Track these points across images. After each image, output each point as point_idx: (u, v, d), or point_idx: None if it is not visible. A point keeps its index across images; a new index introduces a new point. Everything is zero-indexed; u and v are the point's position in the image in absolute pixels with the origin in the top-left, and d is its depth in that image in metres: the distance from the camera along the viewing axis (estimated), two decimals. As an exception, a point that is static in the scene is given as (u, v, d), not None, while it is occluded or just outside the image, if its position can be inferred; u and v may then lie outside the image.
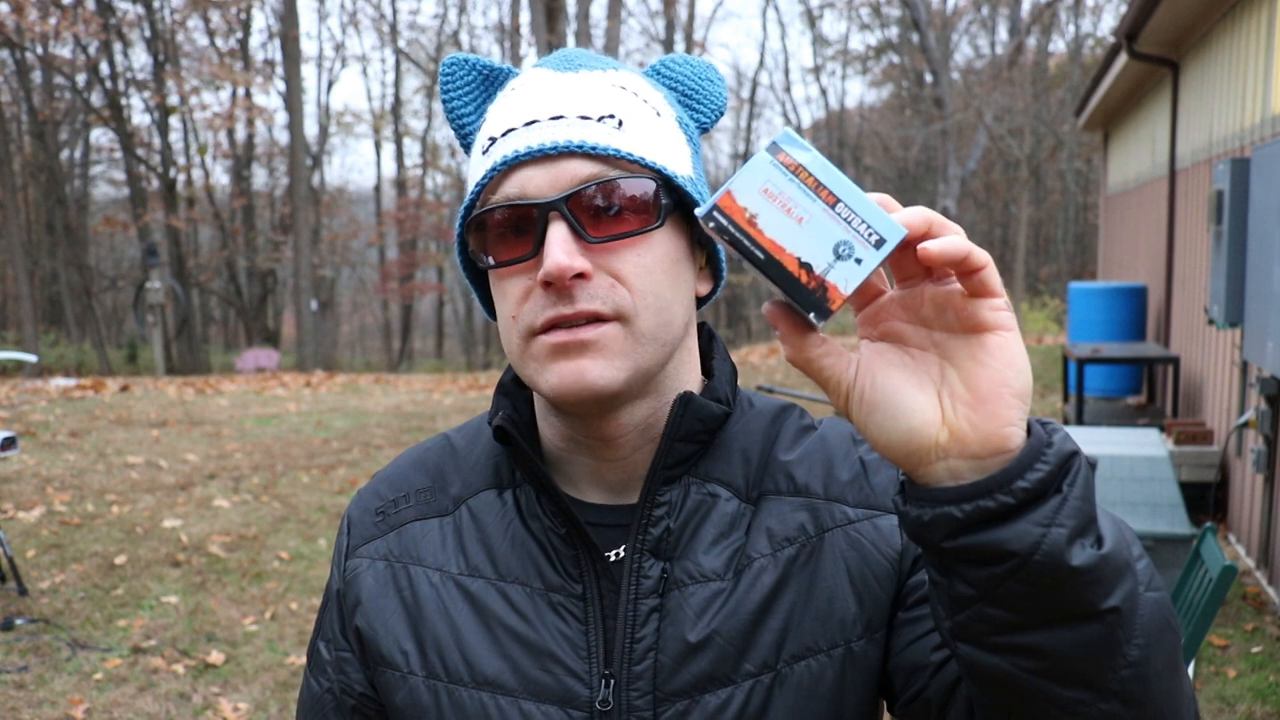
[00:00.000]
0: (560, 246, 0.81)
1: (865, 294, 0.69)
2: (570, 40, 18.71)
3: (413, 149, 32.27)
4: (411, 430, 9.64)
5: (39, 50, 21.75)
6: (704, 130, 0.98)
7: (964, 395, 0.65)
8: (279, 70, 24.24)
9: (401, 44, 30.08)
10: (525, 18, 23.58)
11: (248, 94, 25.96)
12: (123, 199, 27.60)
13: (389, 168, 42.09)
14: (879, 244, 0.63)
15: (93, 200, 29.17)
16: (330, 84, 43.75)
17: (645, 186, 0.85)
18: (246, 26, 25.95)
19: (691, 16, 28.98)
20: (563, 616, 0.91)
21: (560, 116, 0.85)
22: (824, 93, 41.76)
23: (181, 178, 26.16)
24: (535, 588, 0.92)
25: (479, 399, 12.09)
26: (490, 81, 0.96)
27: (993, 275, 0.64)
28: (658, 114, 0.90)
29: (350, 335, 35.40)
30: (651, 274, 0.85)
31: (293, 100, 22.23)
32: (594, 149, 0.84)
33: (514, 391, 0.98)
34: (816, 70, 34.91)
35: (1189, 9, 6.64)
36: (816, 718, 0.89)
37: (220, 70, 23.21)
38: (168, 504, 6.77)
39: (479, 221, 0.87)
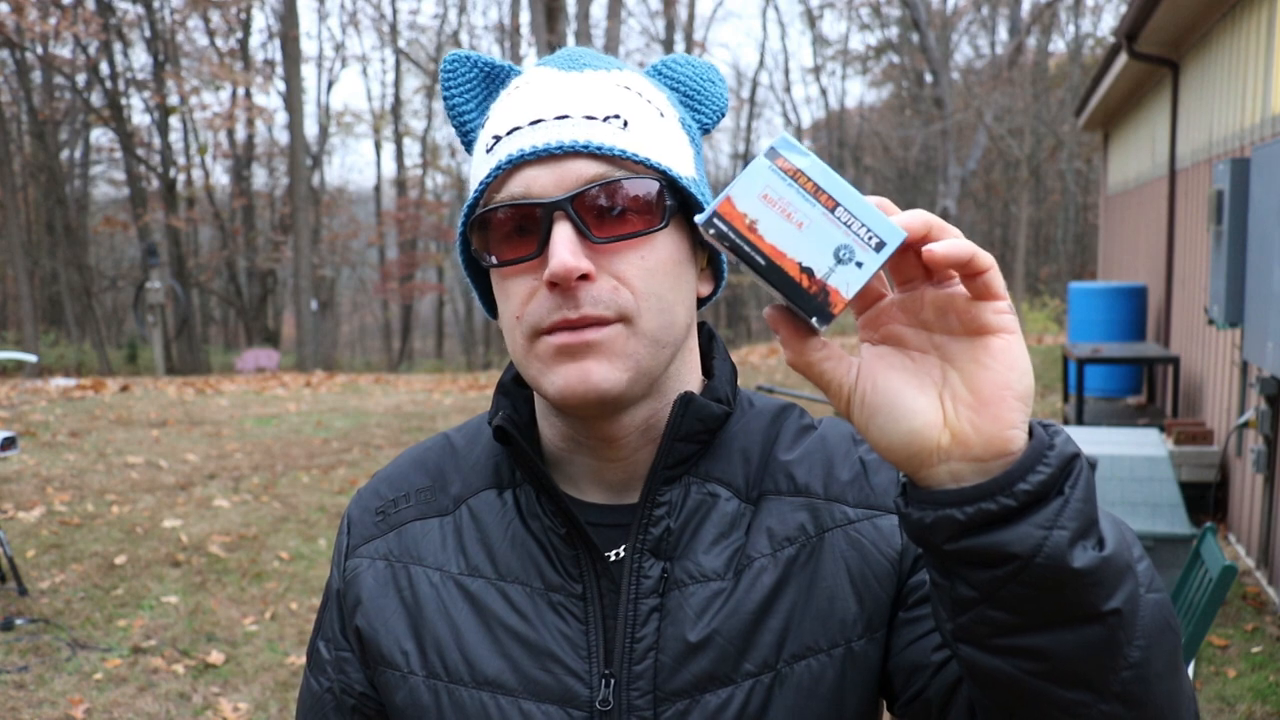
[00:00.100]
0: (565, 247, 0.81)
1: (866, 298, 0.69)
2: (570, 40, 18.71)
3: (413, 149, 32.32)
4: (411, 430, 9.64)
5: (39, 50, 21.75)
6: (705, 131, 0.98)
7: (966, 397, 0.65)
8: (279, 70, 24.25)
9: (401, 44, 30.10)
10: (525, 18, 23.59)
11: (248, 94, 25.96)
12: (123, 199, 27.60)
13: (389, 168, 42.13)
14: (879, 247, 0.63)
15: (93, 200, 29.17)
16: (330, 84, 43.79)
17: (649, 187, 0.85)
18: (246, 26, 25.96)
19: (691, 16, 29.00)
20: (563, 616, 0.91)
21: (566, 116, 0.85)
22: (824, 93, 41.83)
23: (181, 178, 26.17)
24: (535, 587, 0.92)
25: (479, 399, 12.09)
26: (492, 79, 0.96)
27: (997, 278, 0.65)
28: (661, 114, 0.90)
29: (350, 335, 35.40)
30: (654, 276, 0.85)
31: (293, 100, 22.23)
32: (599, 149, 0.83)
33: (514, 391, 0.98)
34: (816, 70, 34.93)
35: (1189, 9, 6.64)
36: (817, 717, 0.89)
37: (220, 70, 23.21)
38: (168, 504, 6.77)
39: (482, 220, 0.86)
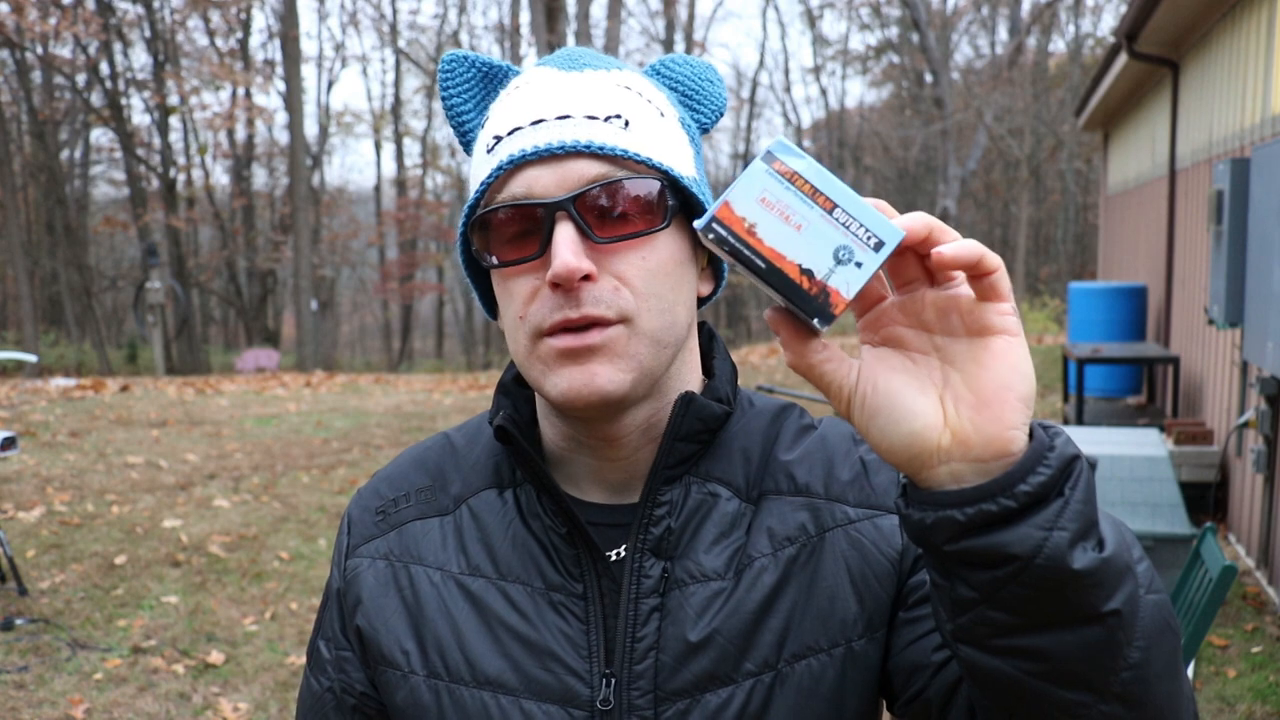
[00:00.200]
0: (568, 247, 0.81)
1: (866, 299, 0.69)
2: (570, 40, 18.72)
3: (413, 149, 32.31)
4: (411, 430, 9.64)
5: (39, 50, 21.75)
6: (704, 131, 0.98)
7: (968, 398, 0.65)
8: (279, 70, 24.25)
9: (401, 44, 30.10)
10: (525, 18, 23.59)
11: (248, 94, 25.96)
12: (123, 199, 27.60)
13: (389, 168, 42.11)
14: (878, 247, 0.64)
15: (93, 200, 29.17)
16: (330, 84, 43.77)
17: (651, 187, 0.85)
18: (246, 26, 25.96)
19: (691, 16, 29.00)
20: (563, 616, 0.91)
21: (567, 116, 0.85)
22: (824, 93, 41.81)
23: (181, 178, 26.17)
24: (536, 587, 0.92)
25: (479, 399, 12.09)
26: (490, 79, 0.96)
27: (1003, 279, 0.65)
28: (661, 114, 0.90)
29: (350, 335, 35.40)
30: (655, 276, 0.85)
31: (293, 100, 22.23)
32: (601, 149, 0.83)
33: (514, 391, 0.99)
34: (816, 70, 34.92)
35: (1189, 9, 6.64)
36: (817, 717, 0.89)
37: (220, 70, 23.21)
38: (168, 504, 6.77)
39: (483, 221, 0.86)
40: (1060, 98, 25.53)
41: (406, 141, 31.52)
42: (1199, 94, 7.11)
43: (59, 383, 12.80)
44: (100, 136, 27.44)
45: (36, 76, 23.59)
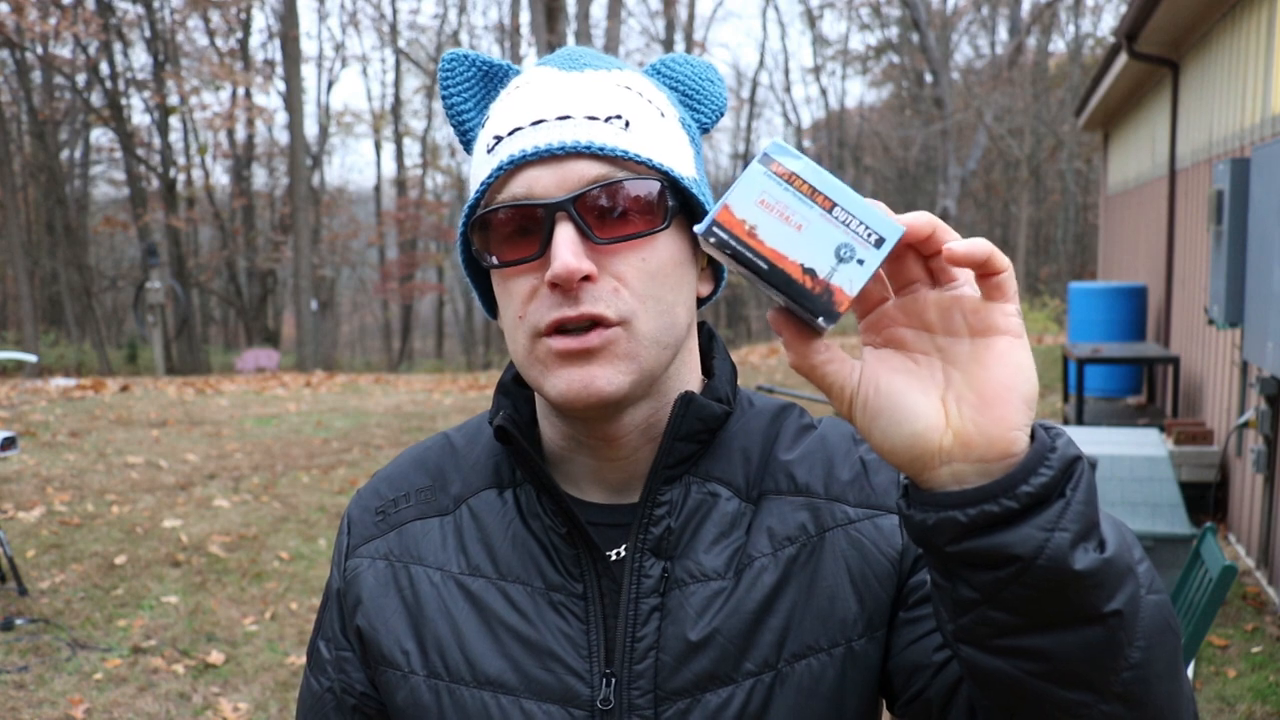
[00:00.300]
0: (568, 248, 0.81)
1: (867, 301, 0.69)
2: (570, 40, 18.72)
3: (413, 149, 32.31)
4: (411, 430, 9.64)
5: (39, 50, 21.75)
6: (704, 131, 0.98)
7: (970, 399, 0.65)
8: (279, 70, 24.25)
9: (401, 44, 30.10)
10: (525, 18, 23.60)
11: (248, 94, 25.96)
12: (123, 199, 27.60)
13: (389, 168, 42.09)
14: (879, 243, 0.64)
15: (93, 200, 29.17)
16: (330, 84, 43.77)
17: (651, 188, 0.85)
18: (246, 26, 25.96)
19: (691, 16, 29.00)
20: (564, 615, 0.91)
21: (567, 116, 0.85)
22: (824, 93, 41.83)
23: (181, 178, 26.17)
24: (536, 587, 0.92)
25: (479, 399, 12.09)
26: (490, 78, 0.96)
27: (1011, 280, 0.65)
28: (662, 114, 0.90)
29: (350, 335, 35.40)
30: (655, 278, 0.85)
31: (293, 100, 22.23)
32: (601, 150, 0.83)
33: (514, 391, 0.99)
34: (816, 70, 34.94)
35: (1189, 9, 6.64)
36: (817, 717, 0.89)
37: (220, 70, 23.21)
38: (168, 504, 6.77)
39: (484, 221, 0.86)
40: (1060, 98, 25.53)
41: (406, 141, 31.55)
42: (1199, 94, 7.11)
43: (59, 383, 12.80)
44: (100, 136, 27.47)
45: (36, 76, 23.60)
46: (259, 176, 29.37)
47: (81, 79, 23.99)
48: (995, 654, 0.68)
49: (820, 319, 0.64)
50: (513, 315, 0.87)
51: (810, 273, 0.64)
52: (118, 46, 23.89)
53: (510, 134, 0.86)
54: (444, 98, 0.96)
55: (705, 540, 0.91)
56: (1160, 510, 4.38)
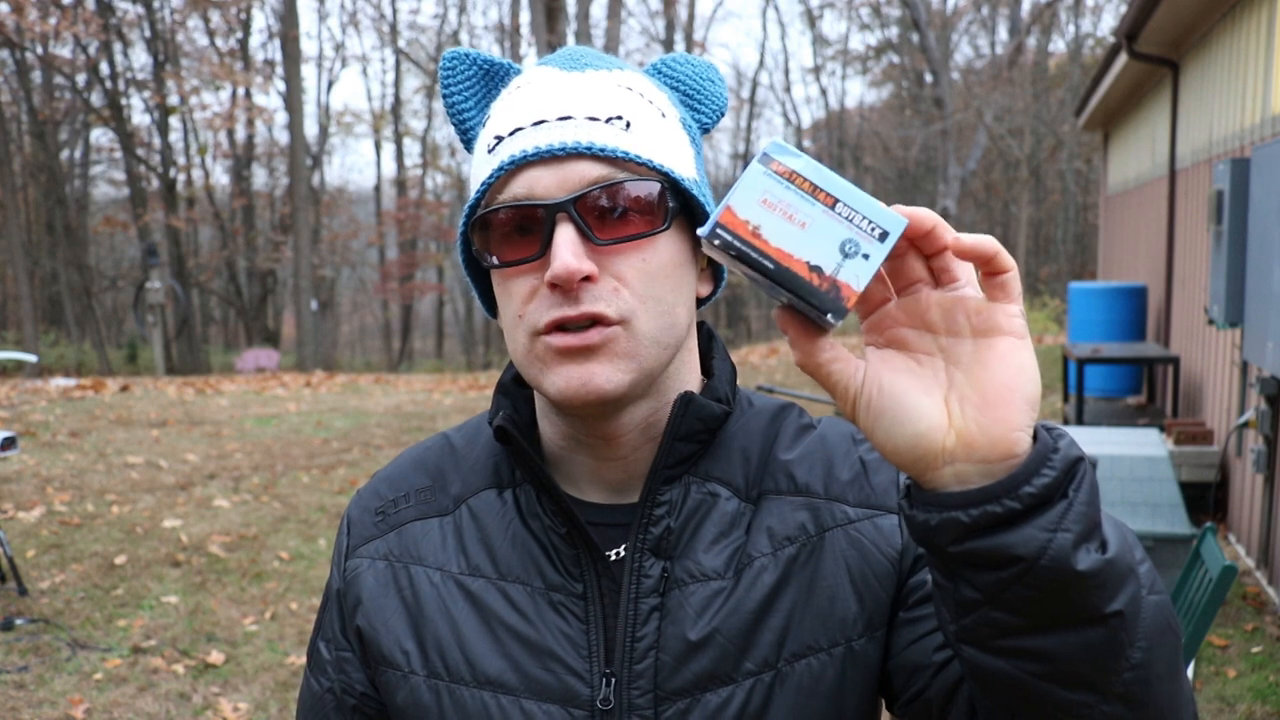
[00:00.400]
0: (568, 249, 0.81)
1: (869, 301, 0.69)
2: (570, 40, 18.72)
3: (413, 149, 32.31)
4: (411, 430, 9.64)
5: (39, 50, 21.75)
6: (705, 131, 0.98)
7: (973, 399, 0.66)
8: (279, 70, 24.25)
9: (401, 44, 30.10)
10: (525, 18, 23.59)
11: (248, 94, 25.96)
12: (123, 199, 27.61)
13: (389, 168, 42.08)
14: (883, 237, 0.64)
15: (93, 200, 29.16)
16: (330, 84, 43.79)
17: (651, 189, 0.85)
18: (246, 26, 25.96)
19: (691, 16, 29.00)
20: (563, 615, 0.91)
21: (568, 117, 0.85)
22: (824, 93, 41.82)
23: (181, 178, 26.17)
24: (536, 587, 0.92)
25: (479, 399, 12.09)
26: (491, 77, 0.96)
27: (1015, 281, 0.65)
28: (662, 115, 0.90)
29: (350, 335, 35.40)
30: (655, 278, 0.85)
31: (293, 100, 22.23)
32: (602, 150, 0.84)
33: (514, 391, 0.99)
34: (816, 70, 34.93)
35: (1189, 9, 6.64)
36: (817, 716, 0.89)
37: (220, 70, 23.21)
38: (168, 504, 6.77)
39: (484, 221, 0.87)
40: (1060, 98, 25.53)
41: (406, 141, 31.54)
42: (1199, 94, 7.11)
43: (59, 383, 12.80)
44: (100, 136, 27.47)
45: (36, 76, 23.59)
46: (259, 176, 29.40)
47: (81, 79, 24.00)
48: (997, 654, 0.68)
49: (828, 315, 0.64)
50: (512, 315, 0.87)
51: (816, 270, 0.64)
52: (118, 46, 23.90)
53: (511, 134, 0.86)
54: (445, 97, 0.96)
55: (705, 540, 0.91)
56: (1160, 510, 4.38)
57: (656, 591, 0.89)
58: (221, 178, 28.92)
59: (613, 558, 0.92)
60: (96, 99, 24.48)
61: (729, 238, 0.65)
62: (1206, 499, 6.01)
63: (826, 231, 0.64)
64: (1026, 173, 26.19)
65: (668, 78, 0.97)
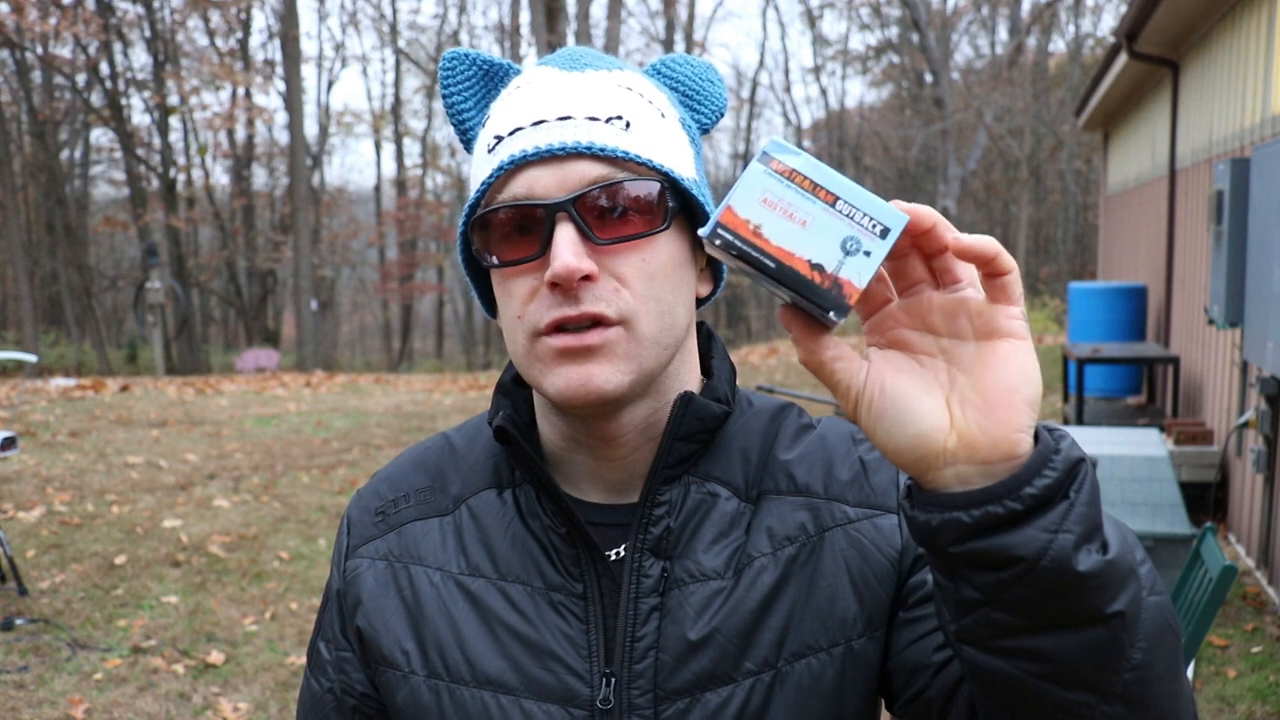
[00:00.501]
0: (568, 248, 0.81)
1: (870, 302, 0.69)
2: (570, 40, 18.72)
3: (413, 149, 32.31)
4: (411, 430, 9.64)
5: (39, 50, 21.75)
6: (704, 131, 0.98)
7: (974, 401, 0.66)
8: (279, 70, 24.25)
9: (401, 44, 30.10)
10: (525, 18, 23.60)
11: (248, 94, 25.96)
12: (123, 199, 27.60)
13: (389, 168, 42.08)
14: (884, 233, 0.64)
15: (93, 200, 29.16)
16: (330, 84, 43.78)
17: (651, 189, 0.85)
18: (246, 26, 25.96)
19: (691, 16, 29.00)
20: (563, 615, 0.91)
21: (568, 117, 0.85)
22: (824, 93, 41.83)
23: (181, 178, 26.17)
24: (536, 587, 0.92)
25: (479, 399, 12.09)
26: (491, 77, 0.96)
27: (1016, 282, 0.65)
28: (662, 115, 0.90)
29: (350, 335, 35.40)
30: (655, 278, 0.85)
31: (293, 100, 22.23)
32: (602, 150, 0.84)
33: (513, 391, 0.99)
34: (816, 70, 34.93)
35: (1189, 9, 6.64)
36: (817, 716, 0.89)
37: (220, 70, 23.21)
38: (168, 504, 6.77)
39: (484, 220, 0.87)
40: (1060, 98, 25.53)
41: (406, 141, 31.54)
42: (1199, 94, 7.11)
43: (59, 383, 12.80)
44: (100, 136, 27.47)
45: (36, 76, 23.59)
46: (259, 176, 29.39)
47: (81, 79, 24.00)
48: (997, 655, 0.68)
49: (830, 313, 0.64)
50: (512, 315, 0.87)
51: (818, 268, 0.64)
52: (118, 46, 23.89)
53: (511, 134, 0.86)
54: (444, 97, 0.96)
55: (705, 540, 0.91)
56: (1160, 510, 4.38)
57: (656, 591, 0.89)
58: (221, 178, 28.95)
59: (612, 558, 0.92)
60: (96, 99, 24.49)
61: (730, 237, 0.65)
62: (1206, 499, 6.01)
63: (827, 229, 0.64)
64: (1026, 173, 26.19)
65: (667, 78, 0.97)
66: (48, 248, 24.47)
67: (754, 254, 0.64)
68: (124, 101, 24.67)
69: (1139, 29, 7.22)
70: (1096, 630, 0.66)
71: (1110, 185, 12.51)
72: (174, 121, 25.89)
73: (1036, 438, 0.66)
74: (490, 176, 0.86)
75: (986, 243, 0.64)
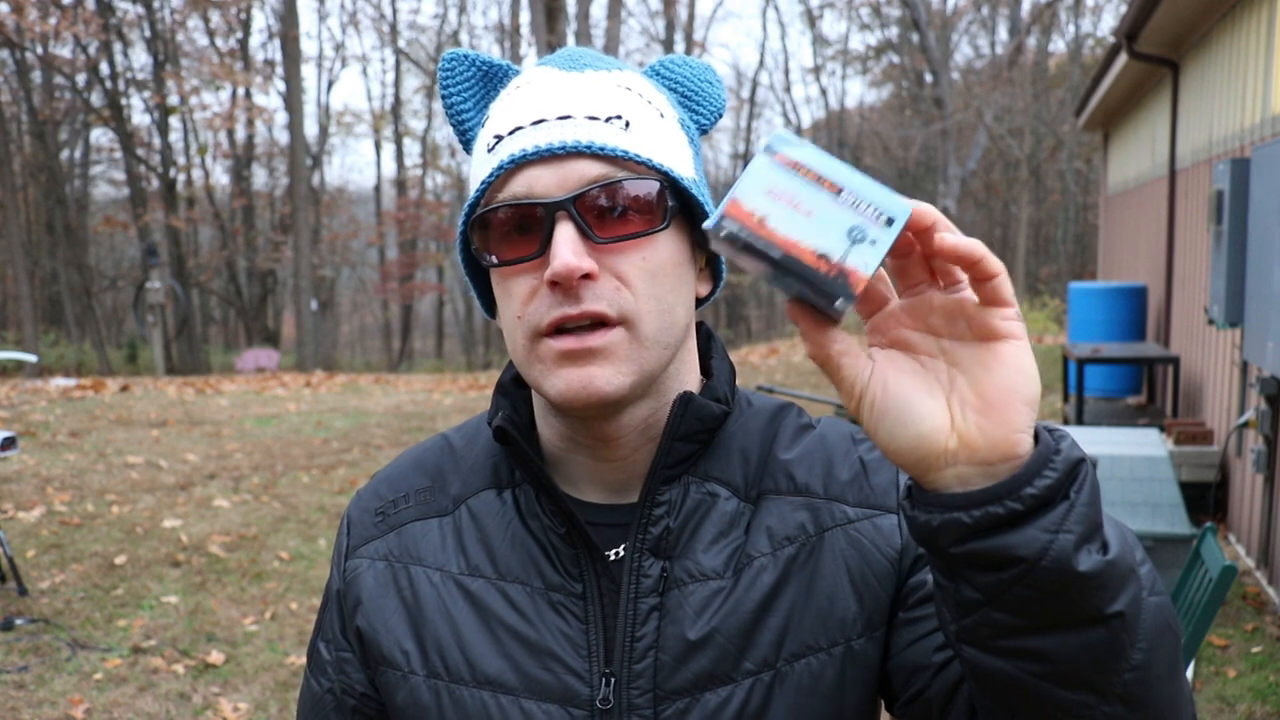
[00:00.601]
0: (568, 247, 0.81)
1: (872, 302, 0.70)
2: (570, 40, 18.72)
3: (413, 149, 32.30)
4: (411, 430, 9.64)
5: (39, 50, 21.75)
6: (703, 132, 0.98)
7: (974, 402, 0.66)
8: (279, 70, 24.25)
9: (401, 44, 30.10)
10: (525, 18, 23.60)
11: (248, 94, 25.96)
12: (123, 199, 27.60)
13: (389, 168, 42.06)
14: (889, 222, 0.64)
15: (93, 200, 29.17)
16: (330, 84, 43.79)
17: (651, 188, 0.85)
18: (246, 26, 25.96)
19: (691, 16, 29.00)
20: (563, 615, 0.91)
21: (568, 116, 0.85)
22: (824, 93, 41.82)
23: (181, 178, 26.17)
24: (535, 587, 0.92)
25: (479, 399, 12.09)
26: (490, 78, 0.96)
27: (1005, 284, 0.65)
28: (661, 115, 0.91)
29: (350, 335, 35.40)
30: (655, 277, 0.85)
31: (293, 100, 22.23)
32: (602, 150, 0.84)
33: (513, 391, 0.99)
34: (816, 70, 34.93)
35: (1189, 9, 6.64)
36: (816, 716, 0.89)
37: (220, 70, 23.20)
38: (168, 504, 6.77)
39: (484, 220, 0.87)
40: (1060, 98, 25.53)
41: (406, 141, 31.54)
42: (1199, 94, 7.11)
43: (59, 383, 12.80)
44: (100, 136, 27.47)
45: (36, 76, 23.59)
46: (259, 176, 29.39)
47: (81, 79, 23.99)
48: (998, 655, 0.68)
49: (837, 302, 0.64)
50: (512, 315, 0.87)
51: (824, 257, 0.64)
52: (118, 46, 23.89)
53: (511, 133, 0.86)
54: (444, 97, 0.96)
55: (704, 540, 0.91)
56: (1160, 510, 4.38)
57: (656, 591, 0.89)
58: (221, 178, 28.95)
59: (612, 558, 0.92)
60: (96, 99, 24.49)
61: (734, 229, 0.65)
62: (1206, 499, 6.01)
63: (833, 219, 0.64)
64: (1026, 173, 26.20)
65: (666, 79, 0.97)
66: (48, 248, 24.47)
67: (758, 245, 0.64)
68: (124, 101, 24.68)
69: (1139, 29, 7.22)
70: (1097, 630, 0.66)
71: (1110, 185, 12.51)
72: (174, 121, 25.91)
73: (1037, 438, 0.66)
74: (490, 176, 0.86)
75: (970, 245, 0.64)
